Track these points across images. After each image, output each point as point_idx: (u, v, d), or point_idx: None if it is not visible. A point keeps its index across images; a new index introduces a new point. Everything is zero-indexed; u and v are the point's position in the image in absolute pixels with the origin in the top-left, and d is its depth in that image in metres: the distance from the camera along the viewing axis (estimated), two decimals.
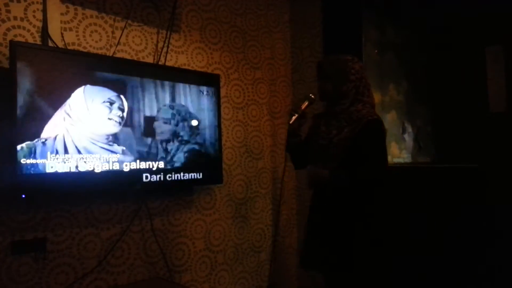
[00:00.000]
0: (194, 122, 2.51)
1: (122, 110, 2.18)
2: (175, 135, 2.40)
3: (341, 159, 1.83)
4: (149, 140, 2.28)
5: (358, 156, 1.80)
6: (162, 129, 2.35)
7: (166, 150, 2.36)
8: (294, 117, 1.98)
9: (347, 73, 1.87)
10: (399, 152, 3.39)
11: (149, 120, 2.30)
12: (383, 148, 1.86)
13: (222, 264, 2.83)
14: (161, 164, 2.33)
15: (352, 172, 1.79)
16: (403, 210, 2.49)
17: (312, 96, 2.01)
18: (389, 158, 3.09)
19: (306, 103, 1.99)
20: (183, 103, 2.46)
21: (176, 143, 2.41)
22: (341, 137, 1.85)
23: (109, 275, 2.26)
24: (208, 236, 2.75)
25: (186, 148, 2.46)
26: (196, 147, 2.52)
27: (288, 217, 3.26)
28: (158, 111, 2.34)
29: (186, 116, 2.47)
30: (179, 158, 2.42)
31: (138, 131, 2.24)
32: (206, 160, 2.56)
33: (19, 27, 2.01)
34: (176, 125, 2.42)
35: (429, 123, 3.64)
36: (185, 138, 2.46)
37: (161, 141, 2.34)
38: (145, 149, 2.26)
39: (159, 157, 2.32)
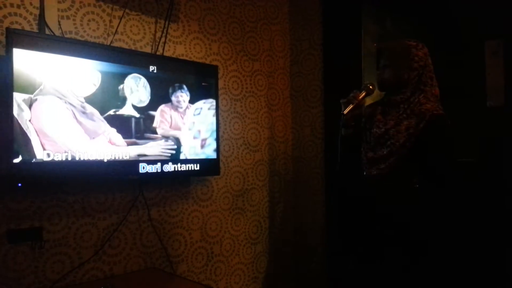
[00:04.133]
0: (192, 112, 2.50)
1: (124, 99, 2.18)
2: (173, 125, 2.40)
3: (400, 155, 1.71)
4: (145, 129, 2.28)
5: (422, 155, 1.68)
6: (160, 118, 2.34)
7: (163, 140, 2.35)
8: (349, 108, 1.80)
9: (410, 61, 1.75)
10: None
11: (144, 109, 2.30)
12: (452, 146, 1.74)
13: (218, 255, 2.83)
14: (158, 155, 2.32)
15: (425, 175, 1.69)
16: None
17: (371, 87, 1.86)
18: None
19: (364, 93, 1.83)
20: (180, 93, 2.45)
21: (174, 133, 2.40)
22: (399, 129, 1.72)
23: (105, 264, 2.26)
24: (204, 227, 2.75)
25: (183, 138, 2.45)
26: (193, 137, 2.51)
27: (285, 210, 3.27)
28: (154, 100, 2.33)
29: (183, 107, 2.46)
30: (176, 148, 2.41)
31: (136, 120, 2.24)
32: (203, 151, 2.56)
33: (15, 14, 1.98)
34: (174, 114, 2.41)
35: None
36: (183, 128, 2.45)
37: (157, 131, 2.33)
38: (141, 138, 2.26)
39: (155, 147, 2.32)
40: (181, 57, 2.64)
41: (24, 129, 1.83)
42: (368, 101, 2.04)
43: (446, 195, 1.74)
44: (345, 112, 1.82)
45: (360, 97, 1.83)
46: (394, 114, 1.77)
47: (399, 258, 1.72)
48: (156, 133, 2.31)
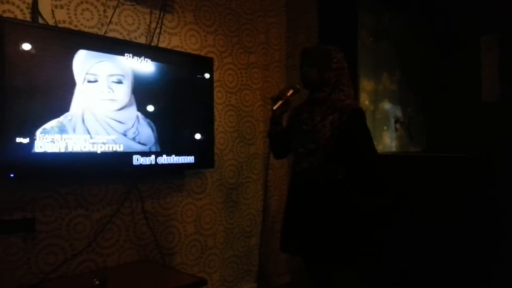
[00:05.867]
0: (187, 106, 2.49)
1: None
2: (166, 117, 2.38)
3: (327, 147, 1.85)
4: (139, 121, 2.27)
5: (348, 146, 1.82)
6: (154, 111, 2.33)
7: (157, 132, 2.34)
8: (278, 104, 1.97)
9: (330, 62, 1.91)
10: (390, 141, 3.40)
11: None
12: (371, 137, 1.91)
13: (212, 248, 2.83)
14: (152, 147, 2.31)
15: (349, 165, 1.83)
16: (393, 198, 2.50)
17: (298, 86, 2.02)
18: (381, 147, 3.11)
19: (291, 91, 2.00)
20: (175, 86, 2.43)
21: (168, 126, 2.39)
22: (325, 124, 1.87)
23: (98, 256, 2.25)
24: (198, 220, 2.74)
25: (178, 131, 2.44)
26: (189, 130, 2.50)
27: (279, 203, 3.27)
28: (150, 92, 2.31)
29: (178, 99, 2.45)
30: (171, 141, 2.40)
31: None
32: (198, 144, 2.55)
33: (8, 2, 1.95)
34: (167, 107, 2.39)
35: (421, 113, 3.65)
36: (178, 121, 2.44)
37: (152, 123, 2.32)
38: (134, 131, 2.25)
39: (149, 139, 2.30)
40: (176, 49, 2.61)
41: None
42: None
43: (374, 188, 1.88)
44: (275, 108, 1.99)
45: (288, 94, 1.99)
46: (319, 111, 1.91)
47: (329, 254, 1.85)
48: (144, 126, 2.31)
